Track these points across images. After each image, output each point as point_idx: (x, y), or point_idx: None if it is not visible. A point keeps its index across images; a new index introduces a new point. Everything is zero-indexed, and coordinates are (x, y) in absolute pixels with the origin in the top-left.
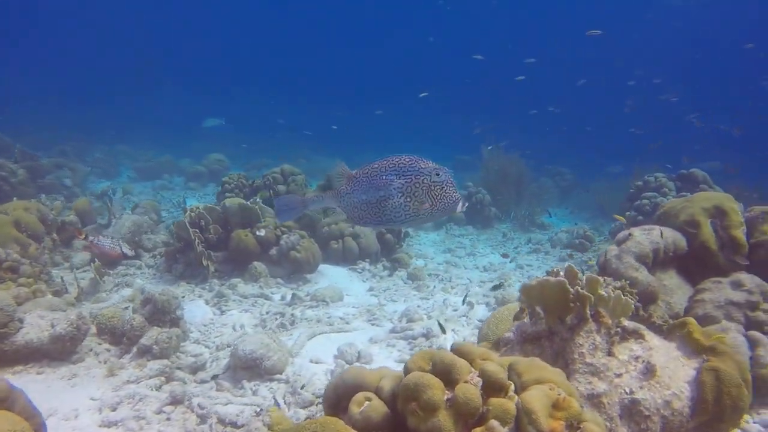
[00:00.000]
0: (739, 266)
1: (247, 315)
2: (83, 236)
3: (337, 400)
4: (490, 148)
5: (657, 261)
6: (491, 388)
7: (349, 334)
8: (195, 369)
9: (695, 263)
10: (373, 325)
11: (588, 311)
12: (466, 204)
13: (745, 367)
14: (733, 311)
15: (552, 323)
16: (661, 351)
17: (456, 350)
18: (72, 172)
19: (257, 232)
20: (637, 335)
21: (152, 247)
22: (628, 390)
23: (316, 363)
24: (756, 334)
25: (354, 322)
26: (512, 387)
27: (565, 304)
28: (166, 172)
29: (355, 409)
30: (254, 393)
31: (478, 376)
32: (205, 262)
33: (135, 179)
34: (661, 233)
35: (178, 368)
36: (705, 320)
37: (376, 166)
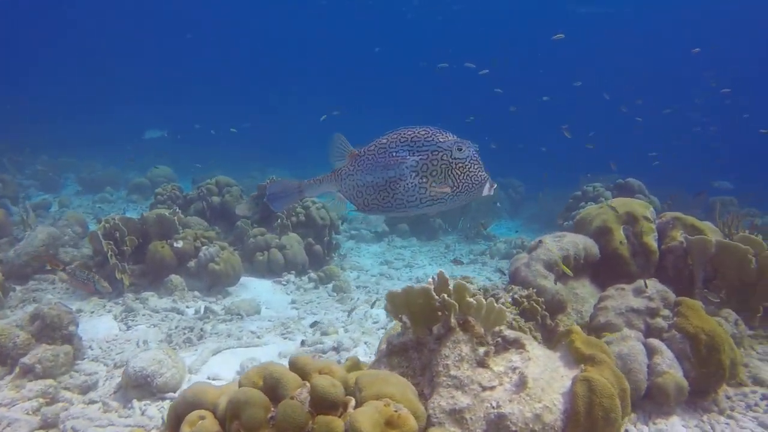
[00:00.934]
0: (651, 273)
1: (155, 330)
2: (61, 268)
3: (177, 420)
4: None
5: (572, 267)
6: (321, 404)
7: (257, 349)
8: (86, 389)
9: (609, 270)
10: (285, 338)
11: (454, 320)
12: (495, 185)
13: (622, 377)
14: (633, 318)
15: (420, 333)
16: (540, 361)
17: (291, 363)
18: (2, 184)
19: (174, 244)
20: (518, 345)
21: (70, 261)
22: (495, 404)
23: (215, 380)
24: (654, 341)
25: (266, 336)
26: (352, 403)
27: (432, 312)
28: (111, 185)
29: (186, 429)
30: (143, 413)
31: (309, 392)
32: (119, 275)
33: (80, 192)
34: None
35: (66, 388)
36: (607, 328)
37: (384, 141)
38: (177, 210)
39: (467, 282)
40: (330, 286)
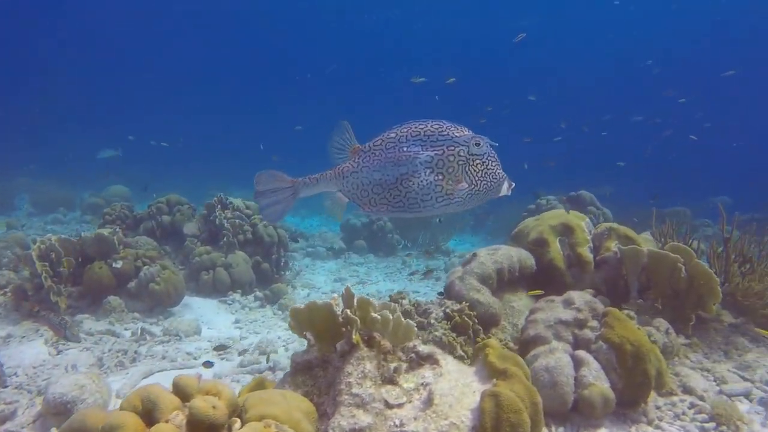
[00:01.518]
0: (587, 284)
1: (86, 354)
2: (35, 309)
3: None
4: None
5: (504, 282)
6: (198, 427)
7: (192, 371)
8: (2, 419)
9: (546, 282)
10: (222, 359)
11: (356, 336)
12: (513, 185)
13: (534, 391)
14: (562, 330)
15: (325, 350)
16: (453, 377)
17: (173, 385)
18: None
19: (113, 264)
20: (432, 360)
21: (6, 284)
22: (398, 422)
23: None
24: (581, 353)
25: (203, 357)
26: (237, 425)
27: (337, 329)
28: (65, 206)
29: None
30: None
31: (187, 415)
32: (54, 298)
33: (32, 214)
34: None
35: None
36: (536, 341)
37: (393, 134)
38: (117, 230)
39: (401, 297)
40: (276, 305)
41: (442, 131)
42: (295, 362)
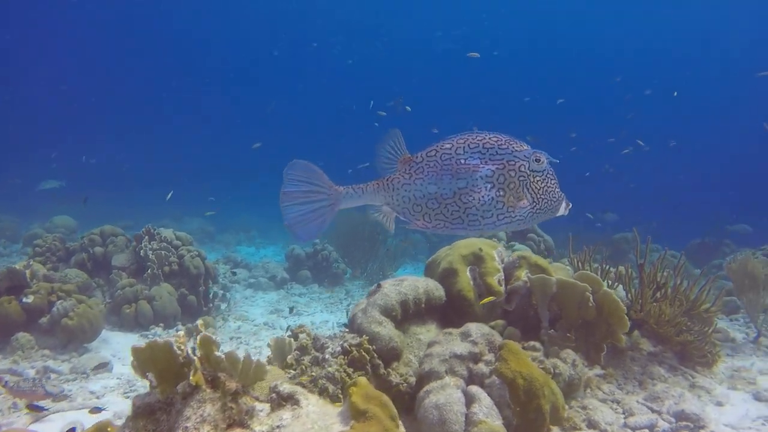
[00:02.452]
0: (497, 314)
1: None
2: (1, 384)
3: None
4: None
5: (409, 313)
6: None
7: (93, 414)
8: None
9: (456, 314)
10: (127, 398)
11: (196, 376)
12: (570, 205)
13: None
14: (456, 365)
15: (169, 392)
16: (311, 418)
17: None
18: None
19: (23, 299)
20: (293, 401)
21: None
22: None
23: None
24: (473, 389)
25: (106, 396)
26: None
27: (181, 368)
28: (7, 237)
29: None
30: None
31: None
32: None
33: None
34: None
35: None
36: (430, 376)
37: (449, 145)
38: (30, 262)
39: (300, 331)
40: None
41: (502, 144)
42: (135, 405)
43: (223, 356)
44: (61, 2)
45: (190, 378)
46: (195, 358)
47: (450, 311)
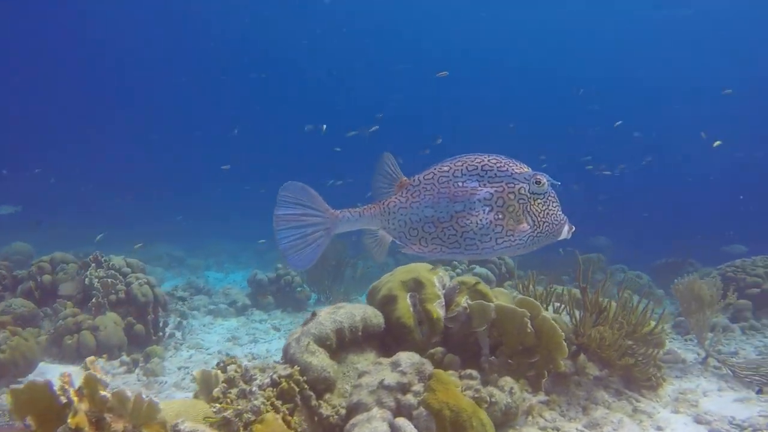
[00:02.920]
0: (437, 342)
1: None
2: None
3: None
4: None
5: (345, 342)
6: None
7: None
8: None
9: (395, 341)
10: None
11: (75, 418)
12: (573, 229)
13: None
14: (384, 396)
15: None
16: None
17: None
18: None
19: None
20: None
21: None
22: None
23: None
24: (400, 421)
25: None
26: None
27: (61, 411)
28: None
29: None
30: None
31: None
32: None
33: None
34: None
35: None
36: (357, 408)
37: (447, 168)
38: None
39: (231, 362)
40: (143, 369)
41: (501, 167)
42: None
43: (109, 396)
44: None
45: (69, 421)
46: (75, 399)
47: (390, 339)
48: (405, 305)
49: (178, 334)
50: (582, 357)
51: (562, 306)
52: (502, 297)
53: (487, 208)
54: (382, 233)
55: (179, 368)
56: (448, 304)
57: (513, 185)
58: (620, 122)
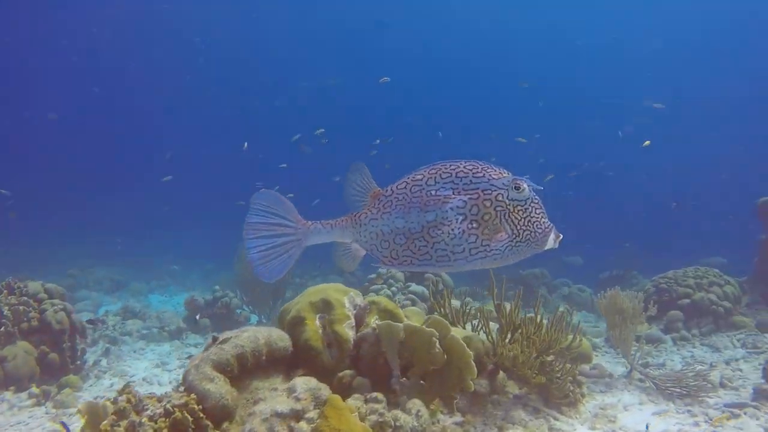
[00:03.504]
0: (346, 364)
1: None
2: None
3: None
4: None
5: (247, 367)
6: None
7: None
8: None
9: (304, 365)
10: None
11: None
12: (560, 237)
13: None
14: (276, 424)
15: None
16: None
17: None
18: None
19: None
20: None
21: None
22: None
23: None
24: None
25: None
26: None
27: None
28: None
29: None
30: None
31: None
32: None
33: None
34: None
35: None
36: None
37: (420, 177)
38: None
39: (126, 392)
40: (53, 401)
41: (477, 173)
42: None
43: None
44: None
45: None
46: None
47: (300, 362)
48: (313, 327)
49: (105, 362)
50: (501, 375)
51: (479, 324)
52: (414, 317)
53: (461, 217)
54: (354, 246)
55: (96, 398)
56: (359, 324)
57: (490, 192)
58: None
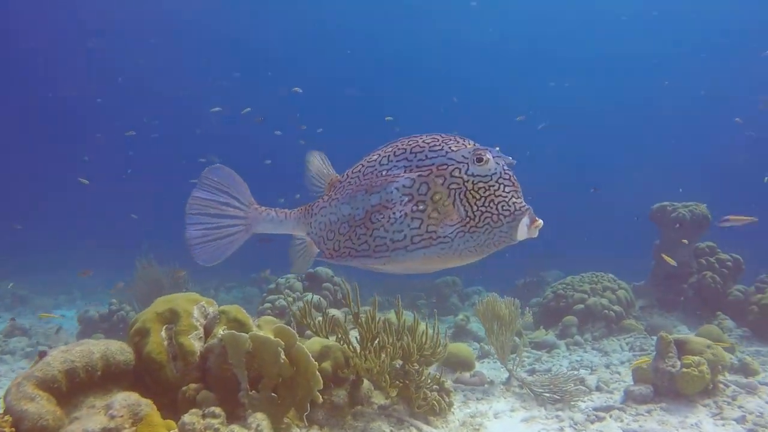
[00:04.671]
0: (192, 377)
1: None
2: None
3: None
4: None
5: (82, 384)
6: None
7: None
8: None
9: (150, 379)
10: None
11: None
12: (539, 223)
13: None
14: None
15: None
16: None
17: None
18: None
19: None
20: None
21: None
22: None
23: None
24: None
25: None
26: None
27: None
28: None
29: None
30: None
31: None
32: None
33: None
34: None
35: None
36: None
37: (376, 156)
38: None
39: None
40: None
41: (435, 146)
42: None
43: None
44: None
45: None
46: None
47: (145, 376)
48: (157, 339)
49: None
50: (367, 385)
51: (338, 336)
52: (266, 326)
53: (406, 198)
54: (308, 240)
55: None
56: (208, 336)
57: (445, 167)
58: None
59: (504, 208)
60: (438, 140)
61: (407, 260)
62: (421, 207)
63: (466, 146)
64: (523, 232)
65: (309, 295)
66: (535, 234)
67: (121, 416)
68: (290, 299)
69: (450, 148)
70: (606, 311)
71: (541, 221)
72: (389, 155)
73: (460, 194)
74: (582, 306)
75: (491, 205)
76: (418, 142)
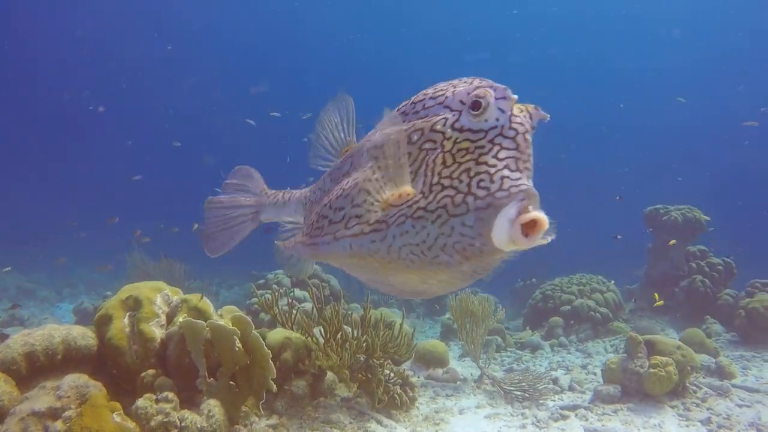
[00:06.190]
0: (152, 363)
1: None
2: None
3: None
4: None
5: (42, 367)
6: None
7: None
8: None
9: (113, 365)
10: None
11: None
12: (538, 218)
13: None
14: (32, 423)
15: None
16: None
17: None
18: None
19: None
20: None
21: None
22: None
23: None
24: None
25: None
26: None
27: None
28: None
29: None
30: None
31: None
32: None
33: None
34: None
35: None
36: None
37: (396, 112)
38: None
39: None
40: None
41: (437, 92)
42: None
43: None
44: None
45: None
46: None
47: (108, 361)
48: (119, 326)
49: None
50: (330, 377)
51: (302, 328)
52: (227, 315)
53: (371, 162)
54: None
55: None
56: (170, 323)
57: (428, 119)
58: None
59: (480, 183)
60: (448, 84)
61: (331, 254)
62: (377, 176)
63: (462, 88)
64: (503, 234)
65: (295, 291)
66: (533, 242)
67: (68, 397)
68: (277, 294)
69: (451, 92)
70: (592, 313)
71: (543, 217)
72: (397, 112)
73: (429, 158)
74: (569, 307)
75: (462, 176)
76: (429, 89)
